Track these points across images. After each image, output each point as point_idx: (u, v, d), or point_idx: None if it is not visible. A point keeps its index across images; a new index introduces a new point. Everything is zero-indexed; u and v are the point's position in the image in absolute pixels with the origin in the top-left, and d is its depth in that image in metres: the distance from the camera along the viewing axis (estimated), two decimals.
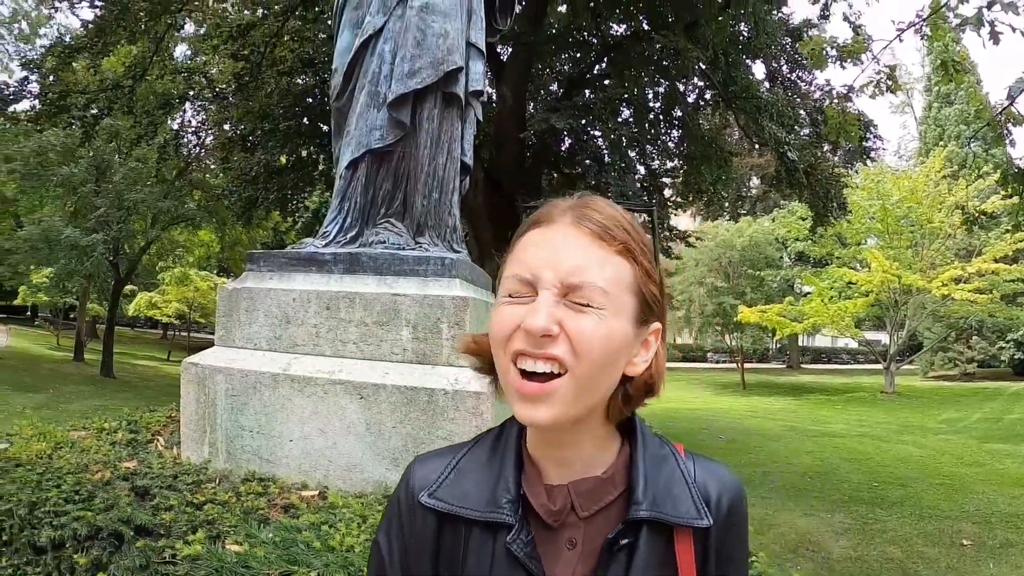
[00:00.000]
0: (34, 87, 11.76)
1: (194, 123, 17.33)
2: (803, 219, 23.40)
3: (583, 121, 12.01)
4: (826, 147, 13.36)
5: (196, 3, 13.26)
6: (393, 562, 0.93)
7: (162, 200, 19.58)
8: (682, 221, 30.75)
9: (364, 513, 2.63)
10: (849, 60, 6.42)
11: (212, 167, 20.14)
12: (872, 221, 23.90)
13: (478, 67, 3.66)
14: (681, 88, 14.14)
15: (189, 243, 29.35)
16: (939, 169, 23.24)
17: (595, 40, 13.66)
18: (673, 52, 11.79)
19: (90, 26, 10.82)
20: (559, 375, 0.80)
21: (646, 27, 13.09)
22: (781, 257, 31.62)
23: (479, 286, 3.56)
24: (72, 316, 31.33)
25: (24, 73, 11.97)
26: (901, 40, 5.39)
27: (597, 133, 12.90)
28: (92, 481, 2.80)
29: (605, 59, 13.77)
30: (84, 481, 2.79)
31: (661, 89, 14.23)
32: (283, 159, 13.77)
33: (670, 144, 15.15)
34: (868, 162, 17.13)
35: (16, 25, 20.82)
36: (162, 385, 19.71)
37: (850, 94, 6.61)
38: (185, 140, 16.76)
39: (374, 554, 0.96)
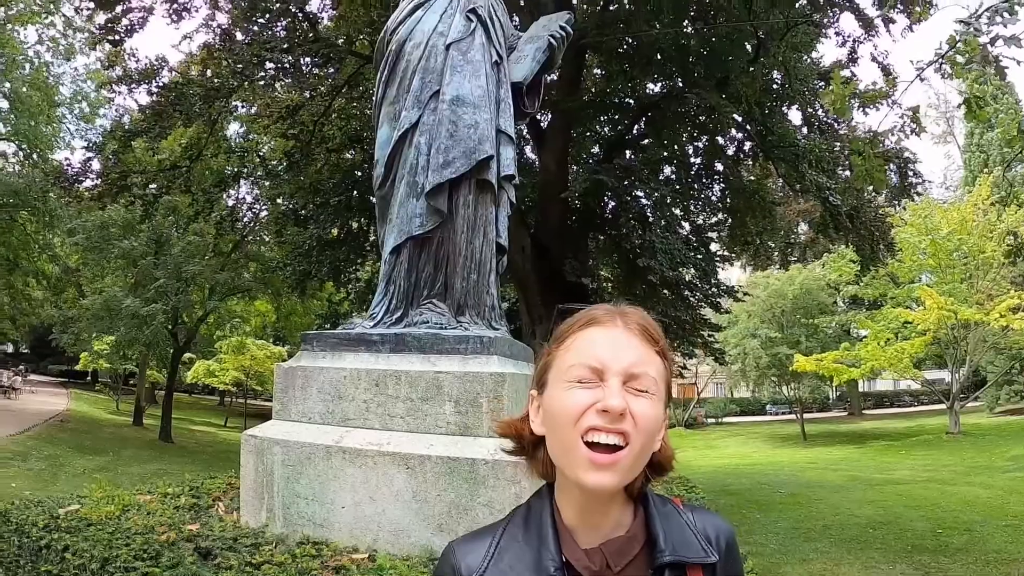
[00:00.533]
0: (95, 165, 12.48)
1: (248, 199, 18.14)
2: (853, 262, 23.00)
3: (625, 182, 12.21)
4: (869, 188, 13.31)
5: (247, 88, 14.07)
6: None
7: (219, 272, 20.44)
8: (733, 273, 30.52)
9: (410, 575, 2.79)
10: (872, 106, 6.51)
11: (267, 240, 20.91)
12: (924, 257, 23.34)
13: (508, 153, 3.91)
14: (720, 142, 14.31)
15: (246, 313, 30.21)
16: (987, 196, 22.64)
17: (631, 102, 13.91)
18: (708, 108, 12.02)
19: (148, 111, 11.56)
20: (622, 448, 0.97)
21: (680, 84, 13.38)
22: (834, 302, 30.98)
23: (518, 360, 3.72)
24: (131, 382, 32.29)
25: (87, 154, 12.72)
26: (922, 80, 5.46)
27: (640, 193, 13.08)
28: (159, 541, 3.03)
29: (643, 120, 14.02)
30: (151, 541, 3.03)
31: (700, 144, 14.42)
32: (334, 232, 14.24)
33: (713, 198, 15.22)
34: (914, 198, 16.92)
35: (77, 105, 22.15)
36: (219, 451, 20.19)
37: (877, 138, 6.67)
38: (241, 215, 17.51)
39: None
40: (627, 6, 12.89)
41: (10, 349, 40.91)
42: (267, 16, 11.65)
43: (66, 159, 14.00)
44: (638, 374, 1.00)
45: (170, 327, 22.16)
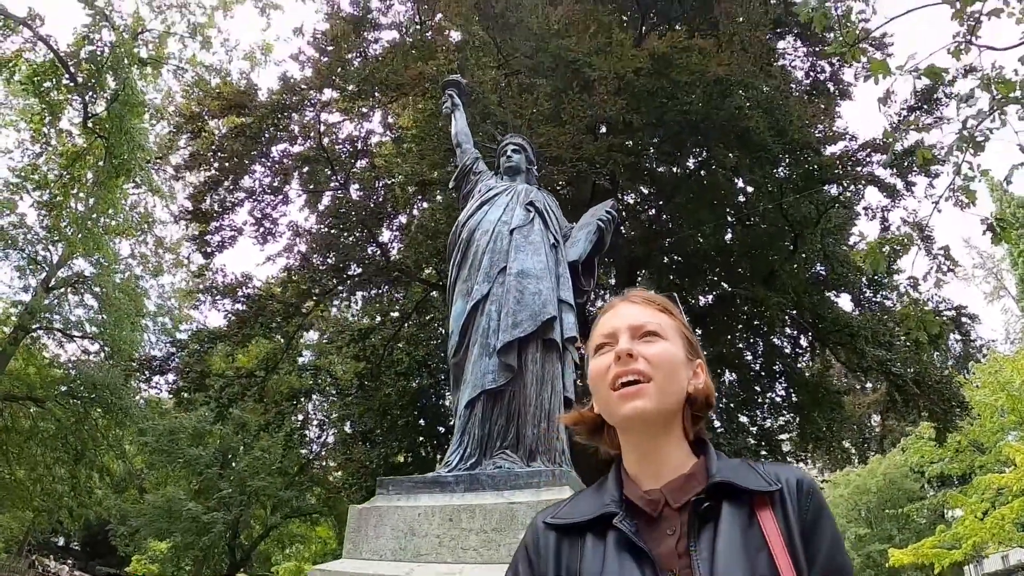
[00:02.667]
0: (176, 362, 13.10)
1: (317, 417, 18.60)
2: (933, 440, 21.95)
3: None
4: (935, 354, 13.19)
5: (321, 312, 15.07)
6: None
7: (283, 491, 20.52)
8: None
9: None
10: (902, 251, 6.82)
11: (333, 466, 21.02)
12: (1003, 416, 22.09)
13: (570, 318, 4.32)
14: (776, 342, 14.55)
15: (307, 537, 29.70)
16: None
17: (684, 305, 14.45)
18: (758, 304, 12.42)
19: (231, 317, 12.47)
20: (643, 382, 1.15)
21: (727, 287, 13.95)
22: (921, 487, 29.11)
23: None
24: None
25: (171, 349, 13.52)
26: (939, 211, 5.84)
27: None
28: None
29: (697, 329, 14.49)
30: None
31: (759, 348, 14.69)
32: (401, 457, 14.31)
33: (777, 399, 15.09)
34: (979, 359, 16.53)
35: (160, 319, 23.70)
36: None
37: (918, 286, 6.85)
38: (308, 433, 17.88)
39: None
40: (669, 225, 13.87)
41: (61, 542, 40.04)
42: (341, 250, 12.79)
43: (151, 355, 14.87)
44: (641, 324, 1.21)
45: (229, 539, 21.83)
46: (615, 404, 1.17)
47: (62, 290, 21.44)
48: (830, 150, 12.58)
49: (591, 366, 1.23)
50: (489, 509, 3.51)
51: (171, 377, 13.16)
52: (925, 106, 11.99)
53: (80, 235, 17.60)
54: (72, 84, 15.11)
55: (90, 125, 15.67)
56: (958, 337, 13.67)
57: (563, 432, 4.06)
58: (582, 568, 1.09)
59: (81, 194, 18.25)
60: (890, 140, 7.85)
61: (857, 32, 6.24)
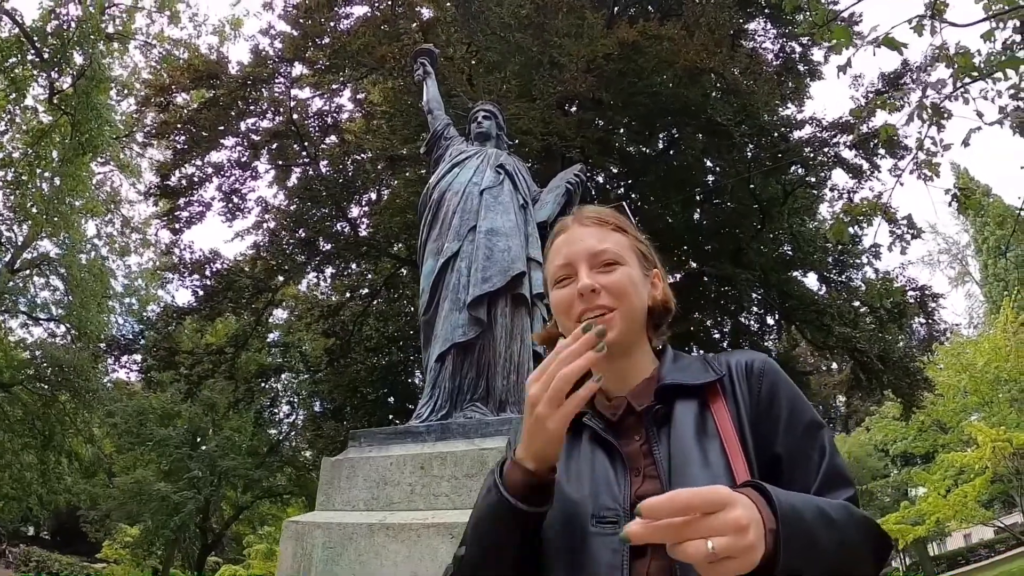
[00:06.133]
0: (144, 341, 13.09)
1: (287, 396, 18.55)
2: (896, 419, 22.42)
3: None
4: (899, 337, 13.50)
5: (289, 289, 14.99)
6: None
7: (254, 471, 20.43)
8: None
9: None
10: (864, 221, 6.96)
11: (303, 445, 21.00)
12: (965, 397, 22.67)
13: (539, 275, 4.36)
14: (744, 321, 14.81)
15: (278, 518, 29.55)
16: (1013, 319, 22.36)
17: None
18: (727, 281, 12.62)
19: (200, 292, 12.42)
20: (608, 314, 1.15)
21: (695, 266, 14.17)
22: (885, 465, 29.83)
23: None
24: None
25: (139, 327, 13.35)
26: (902, 184, 6.00)
27: None
28: None
29: None
30: None
31: (727, 326, 14.93)
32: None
33: None
34: (943, 342, 16.94)
35: (128, 298, 23.41)
36: None
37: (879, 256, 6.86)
38: (278, 412, 17.83)
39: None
40: (638, 203, 13.98)
41: (31, 532, 39.19)
42: (310, 225, 12.74)
43: (120, 332, 14.67)
44: (598, 251, 1.20)
45: (200, 521, 21.70)
46: None
47: (27, 272, 21.02)
48: (797, 134, 12.78)
49: (553, 298, 1.23)
50: (460, 456, 3.56)
51: (139, 357, 13.09)
52: (891, 90, 12.20)
53: (46, 215, 17.22)
54: (38, 60, 14.75)
55: (55, 102, 15.31)
56: (922, 320, 13.99)
57: None
58: (560, 464, 1.12)
59: (47, 173, 17.86)
60: (860, 118, 8.00)
61: (826, 12, 6.34)
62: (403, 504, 3.59)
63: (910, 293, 13.27)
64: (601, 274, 1.18)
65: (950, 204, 6.13)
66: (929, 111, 5.25)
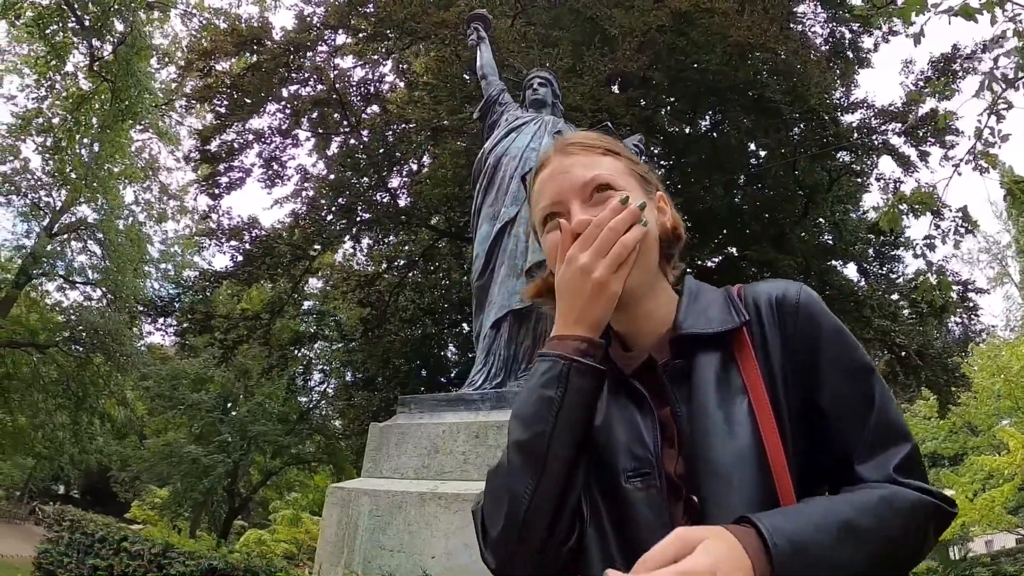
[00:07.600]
0: (181, 304, 13.21)
1: (319, 365, 18.70)
2: (927, 419, 22.02)
3: None
4: (935, 334, 13.24)
5: (327, 258, 15.03)
6: None
7: (283, 437, 20.66)
8: None
9: None
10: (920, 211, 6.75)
11: (333, 414, 21.16)
12: (999, 400, 22.22)
13: None
14: None
15: (305, 485, 29.85)
16: None
17: (689, 270, 14.40)
18: (767, 266, 12.41)
19: (239, 257, 12.48)
20: None
21: (734, 251, 13.94)
22: None
23: None
24: None
25: (176, 291, 13.48)
26: (960, 174, 5.76)
27: None
28: None
29: None
30: None
31: None
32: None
33: None
34: (979, 342, 16.59)
35: (164, 264, 23.70)
36: None
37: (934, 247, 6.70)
38: (310, 380, 17.94)
39: None
40: (679, 184, 13.75)
41: (62, 490, 40.24)
42: (351, 192, 12.72)
43: (157, 296, 14.82)
44: (589, 180, 1.02)
45: (228, 485, 22.01)
46: None
47: (65, 236, 21.34)
48: (847, 119, 12.47)
49: (545, 244, 1.06)
50: None
51: (174, 320, 13.20)
52: (943, 76, 11.83)
53: (85, 180, 17.42)
54: (78, 28, 14.83)
55: (96, 68, 15.42)
56: (957, 320, 13.65)
57: None
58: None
59: (86, 139, 18.03)
60: (918, 100, 7.72)
61: None
62: (455, 473, 3.49)
63: (953, 288, 12.95)
64: (597, 207, 1.00)
65: (1005, 198, 5.92)
66: (1002, 83, 5.03)
